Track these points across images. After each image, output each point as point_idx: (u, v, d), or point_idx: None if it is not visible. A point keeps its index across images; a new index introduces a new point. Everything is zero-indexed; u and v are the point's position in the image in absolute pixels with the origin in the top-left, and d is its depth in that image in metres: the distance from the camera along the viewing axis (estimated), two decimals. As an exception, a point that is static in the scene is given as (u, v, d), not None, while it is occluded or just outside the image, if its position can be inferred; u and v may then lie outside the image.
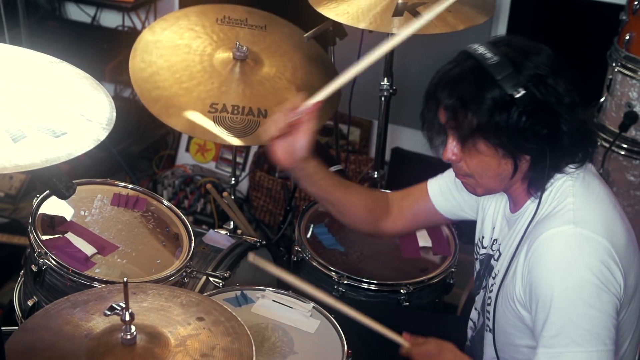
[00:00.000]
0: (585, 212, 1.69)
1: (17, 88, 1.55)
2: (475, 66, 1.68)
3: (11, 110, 1.46)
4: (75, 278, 2.02)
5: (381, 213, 2.16)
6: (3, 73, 1.59)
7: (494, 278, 1.87)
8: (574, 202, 1.70)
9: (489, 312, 1.86)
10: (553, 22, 3.41)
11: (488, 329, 1.88)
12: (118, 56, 3.97)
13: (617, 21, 2.88)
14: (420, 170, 3.92)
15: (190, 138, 4.06)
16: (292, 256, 2.45)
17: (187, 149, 4.07)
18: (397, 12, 2.45)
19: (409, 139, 3.78)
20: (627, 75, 2.80)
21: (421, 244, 2.49)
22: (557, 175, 1.75)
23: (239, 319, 1.64)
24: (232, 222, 2.83)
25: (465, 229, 2.33)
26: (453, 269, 2.41)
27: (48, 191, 2.12)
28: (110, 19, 4.17)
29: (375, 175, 2.93)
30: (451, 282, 2.43)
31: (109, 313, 1.53)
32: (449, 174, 2.06)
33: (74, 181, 1.85)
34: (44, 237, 2.12)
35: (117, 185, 2.39)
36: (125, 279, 1.53)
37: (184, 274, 2.15)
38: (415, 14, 2.45)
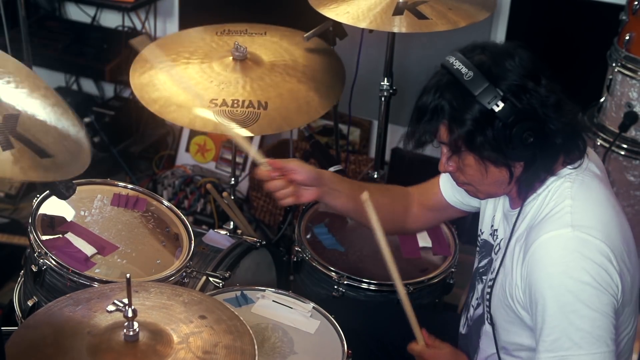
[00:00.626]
0: (583, 215, 1.69)
1: (15, 101, 1.55)
2: (453, 82, 1.69)
3: (6, 118, 1.47)
4: (75, 278, 2.02)
5: (404, 211, 2.20)
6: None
7: (492, 272, 1.87)
8: (572, 204, 1.70)
9: (488, 306, 1.86)
10: (553, 22, 3.41)
11: (488, 320, 1.88)
12: (118, 56, 3.97)
13: (617, 21, 2.88)
14: (420, 171, 3.93)
15: (190, 138, 4.06)
16: (292, 256, 2.45)
17: (187, 149, 4.07)
18: (398, 10, 2.45)
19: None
20: (627, 75, 2.81)
21: (421, 244, 2.49)
22: (554, 177, 1.75)
23: (241, 318, 1.65)
24: (232, 222, 2.83)
25: (465, 229, 2.34)
26: (453, 269, 2.41)
27: (48, 191, 2.12)
28: (110, 19, 4.17)
29: (375, 176, 2.92)
30: (451, 282, 2.44)
31: (112, 309, 1.54)
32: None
33: (73, 181, 1.86)
34: (44, 238, 2.12)
35: (117, 186, 2.39)
36: (128, 275, 1.53)
37: (184, 274, 2.15)
38: (415, 12, 2.44)
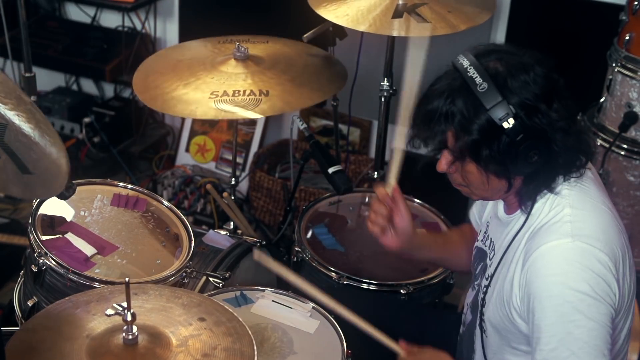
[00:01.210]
0: (583, 224, 1.69)
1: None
2: (466, 89, 1.67)
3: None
4: (75, 278, 2.02)
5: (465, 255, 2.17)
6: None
7: (487, 279, 1.87)
8: (571, 213, 1.70)
9: (483, 313, 1.86)
10: (553, 22, 3.40)
11: (481, 328, 1.88)
12: (118, 56, 3.97)
13: (617, 21, 2.88)
14: (420, 171, 3.92)
15: (190, 138, 4.06)
16: (292, 256, 2.45)
17: (187, 149, 4.07)
18: (397, 13, 2.44)
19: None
20: (627, 75, 2.80)
21: (421, 244, 2.49)
22: (556, 183, 1.75)
23: (240, 319, 1.65)
24: (232, 223, 2.83)
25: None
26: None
27: (48, 191, 2.12)
28: (110, 19, 4.17)
29: (375, 176, 2.92)
30: (451, 282, 2.43)
31: (111, 313, 1.53)
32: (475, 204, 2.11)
33: (73, 181, 1.86)
34: (44, 238, 2.12)
35: (117, 186, 2.39)
36: (127, 279, 1.53)
37: (184, 274, 2.15)
38: (415, 15, 2.44)
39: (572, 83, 1.75)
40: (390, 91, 2.79)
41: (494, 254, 1.88)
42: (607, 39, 2.95)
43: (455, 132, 1.70)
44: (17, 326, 2.12)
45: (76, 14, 4.26)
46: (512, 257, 1.79)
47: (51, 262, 2.03)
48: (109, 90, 4.30)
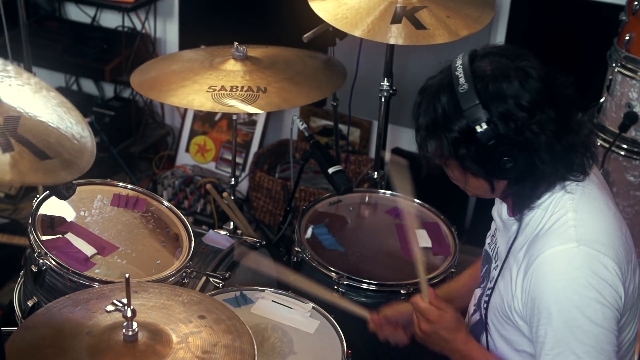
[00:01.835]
0: (588, 229, 1.69)
1: (16, 103, 1.55)
2: (450, 87, 1.69)
3: (6, 120, 1.47)
4: (75, 278, 2.02)
5: None
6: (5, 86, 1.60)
7: (491, 281, 1.87)
8: (575, 217, 1.70)
9: (487, 315, 1.86)
10: (553, 22, 3.41)
11: (486, 330, 1.88)
12: (118, 56, 3.97)
13: (617, 21, 2.88)
14: (420, 171, 3.91)
15: (190, 138, 4.06)
16: (292, 257, 2.45)
17: (187, 150, 4.07)
18: (396, 18, 2.43)
19: (409, 139, 3.78)
20: (627, 75, 2.80)
21: (421, 244, 2.48)
22: (556, 187, 1.74)
23: (240, 318, 1.65)
24: (232, 223, 2.83)
25: (465, 229, 2.34)
26: (453, 270, 2.41)
27: (48, 192, 2.12)
28: (110, 20, 4.17)
29: (375, 176, 2.92)
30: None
31: (111, 309, 1.54)
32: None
33: (73, 182, 1.86)
34: (44, 238, 2.12)
35: (117, 186, 2.39)
36: (127, 274, 1.53)
37: (184, 274, 2.15)
38: (414, 20, 2.43)
39: (572, 83, 1.75)
40: (390, 91, 2.79)
41: (498, 257, 1.88)
42: (607, 39, 2.95)
43: (436, 132, 1.72)
44: (17, 327, 2.12)
45: (76, 14, 4.26)
46: (513, 260, 1.79)
47: (51, 263, 2.03)
48: (109, 90, 4.30)
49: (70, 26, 4.22)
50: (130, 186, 2.40)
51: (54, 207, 2.22)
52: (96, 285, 1.99)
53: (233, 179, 2.94)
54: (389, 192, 2.71)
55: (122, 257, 2.17)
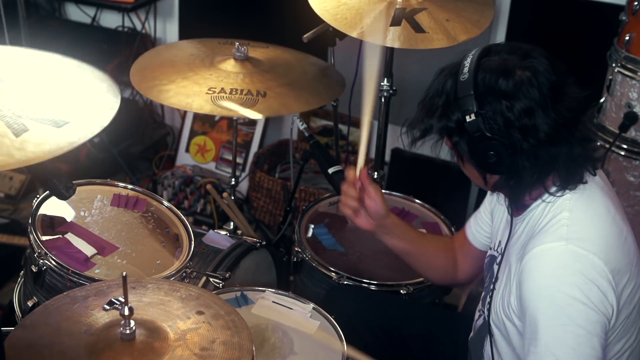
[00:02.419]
0: (579, 228, 1.69)
1: (18, 84, 1.55)
2: (455, 75, 1.72)
3: (12, 104, 1.46)
4: (75, 279, 2.02)
5: (454, 261, 2.19)
6: (4, 71, 1.59)
7: (494, 283, 1.87)
8: (569, 217, 1.70)
9: (490, 317, 1.86)
10: (553, 22, 3.41)
11: (490, 334, 1.88)
12: (118, 57, 3.97)
13: (617, 22, 2.88)
14: (420, 171, 3.93)
15: (190, 139, 4.06)
16: (292, 257, 2.45)
17: (187, 150, 4.07)
18: (396, 20, 2.43)
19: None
20: (627, 75, 2.80)
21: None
22: (555, 188, 1.74)
23: (239, 313, 1.64)
24: (232, 223, 2.83)
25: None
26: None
27: (48, 192, 2.12)
28: (110, 20, 4.17)
29: (375, 176, 2.92)
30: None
31: (108, 308, 1.53)
32: (480, 210, 2.11)
33: (73, 182, 1.86)
34: (44, 238, 2.12)
35: (117, 186, 2.39)
36: (124, 272, 1.52)
37: (184, 274, 2.15)
38: (413, 23, 2.43)
39: (585, 97, 1.75)
40: (390, 91, 2.79)
41: (501, 257, 1.88)
42: (607, 39, 2.95)
43: (442, 110, 1.75)
44: (17, 326, 2.12)
45: (76, 14, 4.26)
46: (510, 258, 1.80)
47: (51, 263, 2.03)
48: (108, 90, 4.30)
49: (70, 26, 4.22)
50: (130, 186, 2.40)
51: (54, 207, 2.22)
52: (96, 285, 1.99)
53: (233, 179, 2.94)
54: (388, 192, 2.71)
55: (122, 257, 2.17)
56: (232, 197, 2.87)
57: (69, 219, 2.23)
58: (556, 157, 1.68)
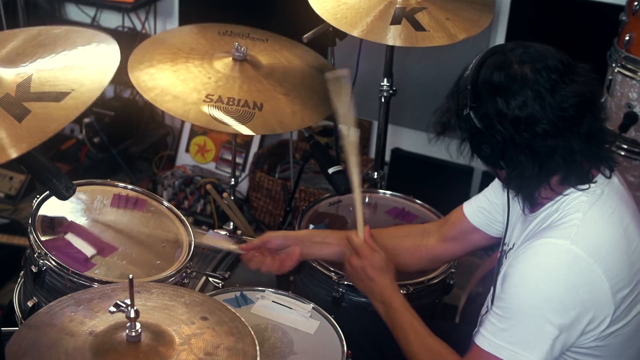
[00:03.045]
0: (588, 231, 1.68)
1: (14, 68, 1.55)
2: (470, 70, 1.73)
3: (10, 89, 1.46)
4: (75, 279, 2.02)
5: (422, 247, 2.21)
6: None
7: (496, 274, 1.87)
8: (582, 218, 1.70)
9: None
10: (553, 22, 3.41)
11: None
12: (118, 57, 3.96)
13: (617, 22, 2.88)
14: (420, 171, 3.93)
15: (190, 139, 4.06)
16: (292, 257, 2.45)
17: (187, 150, 4.07)
18: (396, 19, 2.43)
19: (409, 139, 3.78)
20: (627, 75, 2.80)
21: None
22: (571, 189, 1.74)
23: (243, 319, 1.65)
24: (232, 223, 2.83)
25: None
26: (453, 270, 2.41)
27: (48, 192, 2.12)
28: (110, 20, 4.18)
29: (375, 176, 2.93)
30: (451, 282, 2.43)
31: (114, 310, 1.53)
32: (481, 194, 2.14)
33: (73, 182, 1.86)
34: (44, 238, 2.12)
35: (117, 186, 2.39)
36: (130, 275, 1.53)
37: (184, 274, 2.15)
38: (413, 22, 2.43)
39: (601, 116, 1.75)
40: (390, 91, 2.79)
41: (509, 250, 1.89)
42: (607, 39, 2.95)
43: (447, 106, 1.78)
44: (17, 327, 2.12)
45: (76, 14, 4.26)
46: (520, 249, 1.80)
47: (51, 263, 2.03)
48: (109, 90, 4.30)
49: (70, 26, 4.22)
50: (130, 186, 2.40)
51: (54, 207, 2.22)
52: (96, 285, 1.99)
53: (233, 179, 2.94)
54: (389, 192, 2.71)
55: (122, 257, 2.17)
56: (232, 197, 2.87)
57: (69, 219, 2.23)
58: (554, 150, 1.67)
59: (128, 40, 3.99)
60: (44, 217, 2.19)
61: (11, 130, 1.37)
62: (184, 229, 2.29)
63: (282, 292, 2.16)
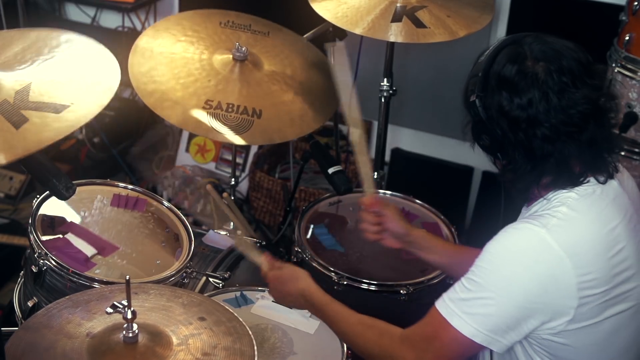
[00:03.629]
0: (568, 225, 1.68)
1: (15, 72, 1.55)
2: (486, 56, 1.74)
3: (10, 95, 1.47)
4: (76, 279, 2.02)
5: None
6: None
7: None
8: (565, 212, 1.70)
9: None
10: (553, 22, 3.40)
11: None
12: (118, 57, 3.94)
13: (617, 22, 2.88)
14: (420, 171, 3.93)
15: (190, 139, 4.06)
16: (292, 257, 2.45)
17: (187, 150, 4.07)
18: (396, 17, 2.44)
19: (409, 139, 3.78)
20: (626, 75, 2.80)
21: (421, 244, 2.49)
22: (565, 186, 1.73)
23: (241, 319, 1.65)
24: (232, 223, 2.83)
25: (465, 229, 2.34)
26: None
27: (48, 192, 2.12)
28: (110, 20, 4.18)
29: (375, 176, 2.92)
30: (451, 282, 2.43)
31: (111, 311, 1.54)
32: None
33: (73, 182, 1.86)
34: (44, 238, 2.12)
35: (117, 186, 2.39)
36: (127, 276, 1.53)
37: (184, 274, 2.15)
38: (414, 19, 2.43)
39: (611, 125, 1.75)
40: (390, 91, 2.79)
41: None
42: (607, 39, 2.95)
43: (464, 90, 1.79)
44: (17, 327, 2.12)
45: (76, 14, 4.26)
46: None
47: (51, 263, 2.03)
48: (108, 90, 4.30)
49: (70, 26, 4.21)
50: (130, 186, 2.40)
51: (54, 207, 2.22)
52: (96, 285, 1.99)
53: (233, 179, 2.94)
54: (389, 192, 2.71)
55: (122, 257, 2.17)
56: (232, 197, 2.87)
57: (69, 219, 2.23)
58: (550, 155, 1.68)
59: (128, 40, 3.99)
60: (44, 217, 2.19)
61: (7, 136, 1.37)
62: (184, 229, 2.29)
63: (282, 292, 2.16)
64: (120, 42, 3.99)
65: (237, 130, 2.38)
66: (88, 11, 4.20)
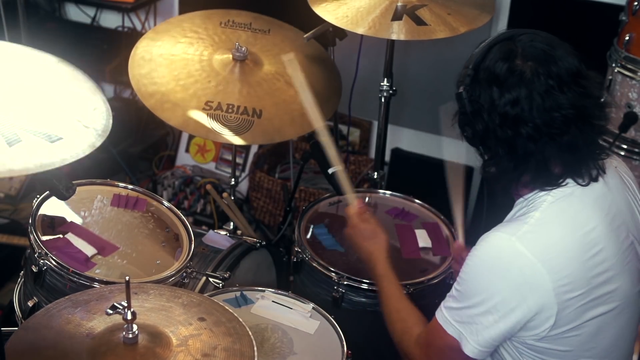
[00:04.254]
0: (539, 230, 1.69)
1: (14, 89, 1.55)
2: (479, 49, 1.76)
3: (7, 113, 1.46)
4: (76, 279, 2.02)
5: None
6: (1, 72, 1.59)
7: None
8: (537, 217, 1.70)
9: None
10: (553, 22, 3.40)
11: None
12: (118, 57, 3.97)
13: (617, 22, 2.88)
14: (420, 171, 3.93)
15: (190, 139, 4.06)
16: (292, 257, 2.45)
17: (187, 150, 4.07)
18: (397, 15, 2.44)
19: (409, 139, 3.78)
20: (626, 75, 2.81)
21: (421, 244, 2.49)
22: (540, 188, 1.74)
23: (241, 320, 1.65)
24: (232, 223, 2.83)
25: (465, 229, 2.34)
26: (453, 270, 2.41)
27: (48, 192, 2.12)
28: (110, 20, 4.17)
29: (375, 176, 2.92)
30: (451, 282, 2.42)
31: (111, 312, 1.54)
32: None
33: (73, 182, 1.86)
34: (44, 238, 2.12)
35: (117, 186, 2.39)
36: (127, 277, 1.53)
37: (184, 274, 2.15)
38: (414, 18, 2.44)
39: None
40: (390, 91, 2.79)
41: None
42: (607, 39, 2.95)
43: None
44: (17, 327, 2.12)
45: (76, 14, 4.26)
46: None
47: (51, 263, 2.03)
48: (109, 90, 4.30)
49: (70, 27, 4.22)
50: (130, 186, 2.40)
51: (54, 207, 2.22)
52: (96, 285, 2.00)
53: (233, 179, 2.94)
54: (388, 192, 2.71)
55: (122, 257, 2.17)
56: (232, 197, 2.87)
57: (69, 219, 2.23)
58: (531, 154, 1.68)
59: (128, 41, 3.99)
60: (44, 217, 2.19)
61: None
62: (184, 229, 2.29)
63: (282, 292, 2.16)
64: (120, 42, 3.99)
65: (237, 130, 2.38)
66: (88, 11, 4.20)
